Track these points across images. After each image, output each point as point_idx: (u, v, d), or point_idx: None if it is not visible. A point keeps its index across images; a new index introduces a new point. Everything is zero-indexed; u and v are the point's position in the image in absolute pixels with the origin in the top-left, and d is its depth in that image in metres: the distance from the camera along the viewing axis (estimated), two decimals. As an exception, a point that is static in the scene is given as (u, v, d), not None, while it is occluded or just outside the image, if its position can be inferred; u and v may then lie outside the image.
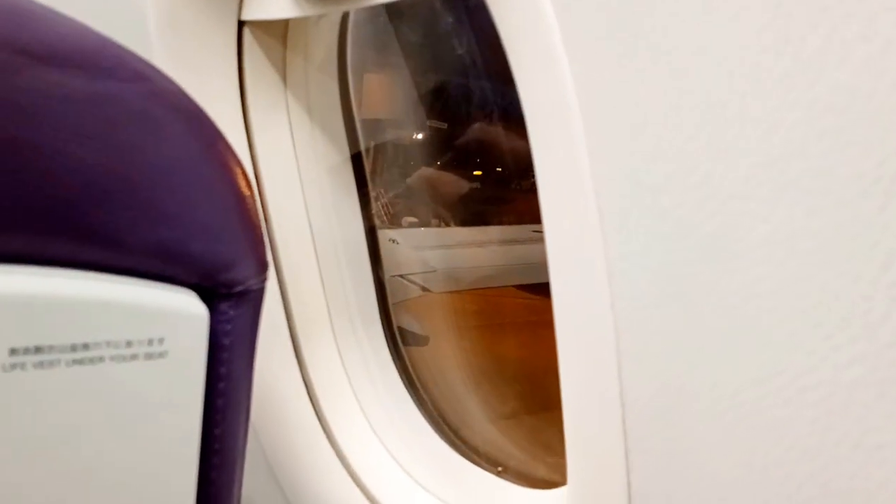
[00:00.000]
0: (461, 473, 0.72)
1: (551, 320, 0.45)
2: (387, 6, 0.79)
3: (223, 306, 0.33)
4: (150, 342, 0.30)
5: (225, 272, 0.33)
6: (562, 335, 0.45)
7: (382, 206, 0.84)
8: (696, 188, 0.35)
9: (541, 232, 0.45)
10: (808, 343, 0.33)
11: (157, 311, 0.30)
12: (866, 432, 0.31)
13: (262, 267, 0.35)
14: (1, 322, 0.26)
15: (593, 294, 0.41)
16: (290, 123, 0.75)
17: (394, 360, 0.81)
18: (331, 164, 0.78)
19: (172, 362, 0.31)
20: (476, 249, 0.98)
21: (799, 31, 0.30)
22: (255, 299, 0.35)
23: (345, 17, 0.76)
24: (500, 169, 0.90)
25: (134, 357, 0.30)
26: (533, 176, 0.44)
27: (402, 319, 0.84)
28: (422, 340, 0.86)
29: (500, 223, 0.96)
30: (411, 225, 0.92)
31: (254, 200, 0.34)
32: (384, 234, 0.83)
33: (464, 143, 0.88)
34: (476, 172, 0.92)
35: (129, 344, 0.29)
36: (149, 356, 0.30)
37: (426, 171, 0.91)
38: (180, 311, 0.31)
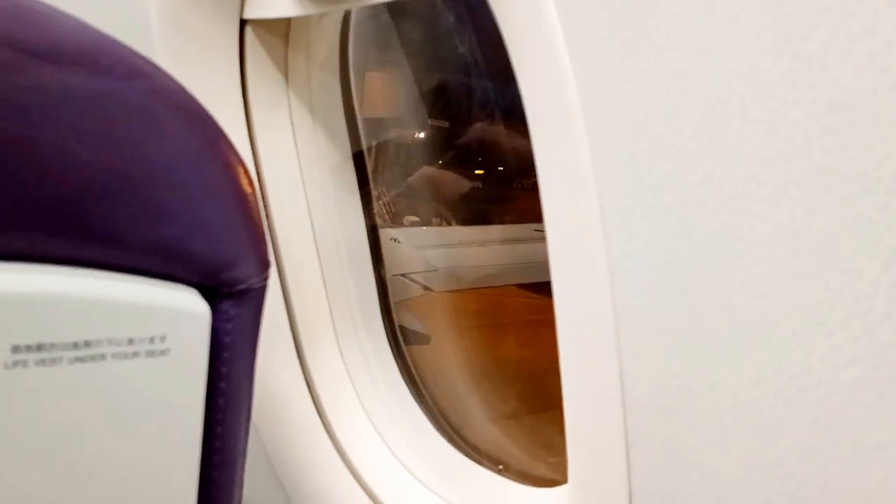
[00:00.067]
0: (462, 472, 0.72)
1: (552, 319, 0.45)
2: (388, 5, 0.79)
3: (225, 305, 0.33)
4: (152, 340, 0.30)
5: (227, 271, 0.33)
6: (563, 334, 0.45)
7: (384, 205, 0.84)
8: (697, 187, 0.35)
9: (542, 231, 0.45)
10: (808, 342, 0.33)
11: (158, 309, 0.30)
12: (866, 432, 0.31)
13: (264, 266, 0.35)
14: (3, 320, 0.26)
15: (594, 293, 0.41)
16: (291, 122, 0.75)
17: (395, 358, 0.81)
18: (333, 163, 0.78)
19: (174, 360, 0.31)
20: (477, 248, 0.98)
21: (800, 30, 0.30)
22: (256, 298, 0.35)
23: (346, 15, 0.76)
24: (501, 168, 0.90)
25: (136, 355, 0.30)
26: (534, 175, 0.44)
27: (404, 318, 0.84)
28: (423, 339, 0.86)
29: (502, 222, 0.96)
30: (413, 224, 0.92)
31: (255, 199, 0.34)
32: (385, 233, 0.83)
33: (465, 141, 0.88)
34: (477, 171, 0.92)
35: (130, 342, 0.29)
36: (150, 354, 0.30)
37: (428, 170, 0.91)
38: (182, 310, 0.31)
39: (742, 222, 0.34)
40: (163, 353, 0.30)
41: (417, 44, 0.85)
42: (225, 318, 0.33)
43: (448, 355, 0.88)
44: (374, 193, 0.82)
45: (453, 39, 0.81)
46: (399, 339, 0.83)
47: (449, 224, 0.95)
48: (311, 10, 0.61)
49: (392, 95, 0.88)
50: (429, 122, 0.90)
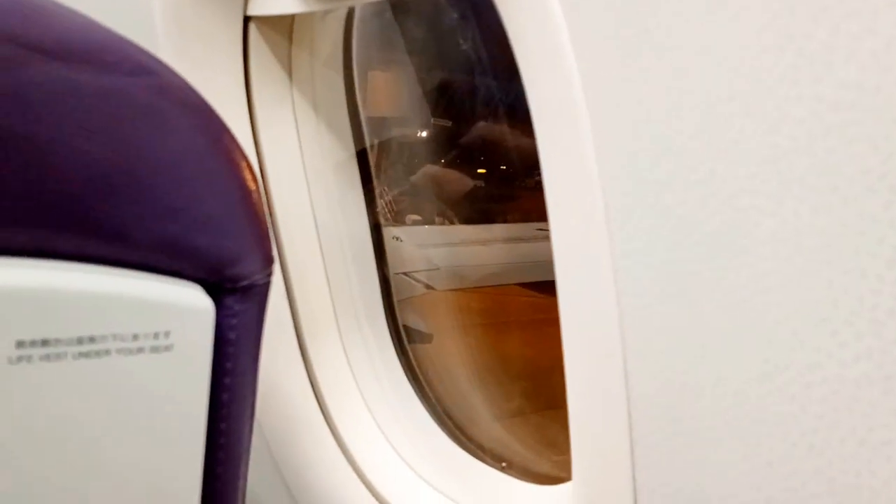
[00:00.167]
0: (466, 470, 0.72)
1: (555, 318, 0.45)
2: (392, 2, 0.79)
3: (229, 301, 0.33)
4: (157, 336, 0.30)
5: (231, 266, 0.33)
6: (567, 332, 0.45)
7: (387, 204, 0.85)
8: (698, 186, 0.35)
9: (545, 230, 0.45)
10: (813, 339, 0.33)
11: (163, 305, 0.30)
12: (872, 429, 0.31)
13: (268, 262, 0.35)
14: (8, 315, 0.26)
15: (599, 291, 0.41)
16: (295, 119, 0.75)
17: (399, 356, 0.81)
18: (336, 161, 0.78)
19: (178, 356, 0.31)
20: (480, 247, 0.98)
21: (802, 28, 0.30)
22: (260, 294, 0.35)
23: (350, 13, 0.76)
24: (504, 167, 0.90)
25: (140, 350, 0.30)
26: (537, 174, 0.44)
27: (406, 317, 0.84)
28: (426, 338, 0.86)
29: (505, 221, 0.96)
30: (415, 223, 0.92)
31: (259, 195, 0.35)
32: (388, 232, 0.83)
33: (468, 140, 0.88)
34: (480, 170, 0.92)
35: (135, 337, 0.29)
36: (155, 349, 0.30)
37: (431, 169, 0.91)
38: (186, 305, 0.31)
39: (744, 220, 0.34)
40: (167, 348, 0.31)
41: (421, 42, 0.85)
42: (229, 314, 0.33)
43: (451, 354, 0.88)
44: (377, 192, 0.82)
45: (457, 38, 0.81)
46: (402, 337, 0.83)
47: (451, 223, 0.95)
48: (314, 6, 0.61)
49: (395, 94, 0.88)
50: (432, 120, 0.90)
